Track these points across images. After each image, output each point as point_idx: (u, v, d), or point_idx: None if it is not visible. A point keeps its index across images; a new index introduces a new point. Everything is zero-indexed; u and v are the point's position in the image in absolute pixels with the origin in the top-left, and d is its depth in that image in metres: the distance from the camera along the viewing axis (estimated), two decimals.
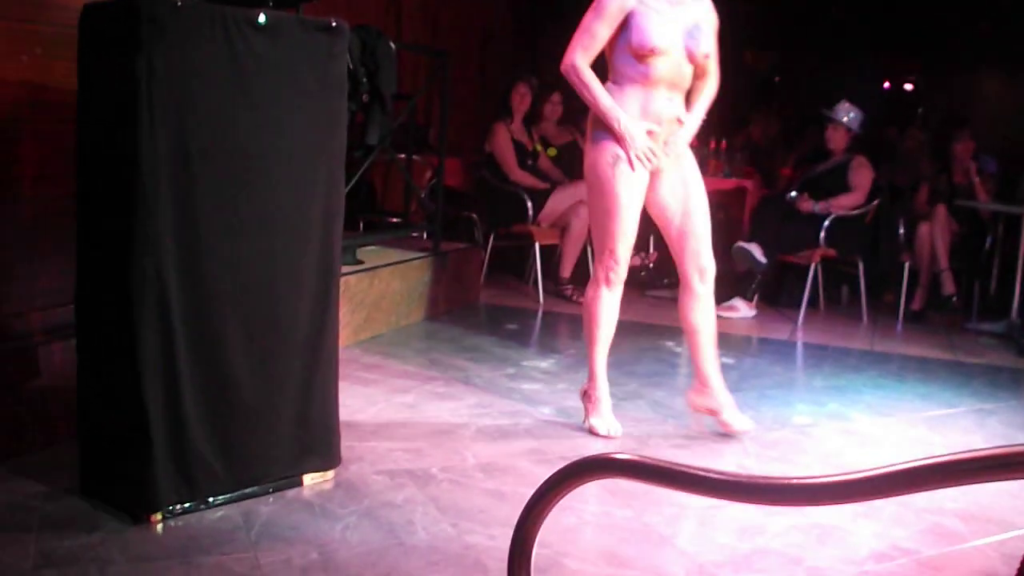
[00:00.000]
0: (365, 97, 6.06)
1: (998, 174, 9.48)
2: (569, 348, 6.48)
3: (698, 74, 4.66)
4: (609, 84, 4.58)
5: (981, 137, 9.89)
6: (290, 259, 3.52)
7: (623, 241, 4.58)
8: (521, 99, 8.36)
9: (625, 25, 4.47)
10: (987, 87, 15.35)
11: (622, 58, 4.53)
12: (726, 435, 4.73)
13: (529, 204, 7.97)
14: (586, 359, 4.81)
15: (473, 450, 4.29)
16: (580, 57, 4.50)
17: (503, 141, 8.24)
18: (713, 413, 4.78)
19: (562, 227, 8.07)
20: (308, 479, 3.73)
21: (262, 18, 3.33)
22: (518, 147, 8.31)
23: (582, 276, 7.01)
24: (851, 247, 8.16)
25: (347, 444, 3.98)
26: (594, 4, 4.50)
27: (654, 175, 4.59)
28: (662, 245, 9.03)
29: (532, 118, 8.59)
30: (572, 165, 8.48)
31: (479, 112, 10.03)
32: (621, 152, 4.50)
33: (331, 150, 3.61)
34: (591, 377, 4.77)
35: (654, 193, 4.63)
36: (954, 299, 8.38)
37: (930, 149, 10.13)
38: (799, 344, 7.33)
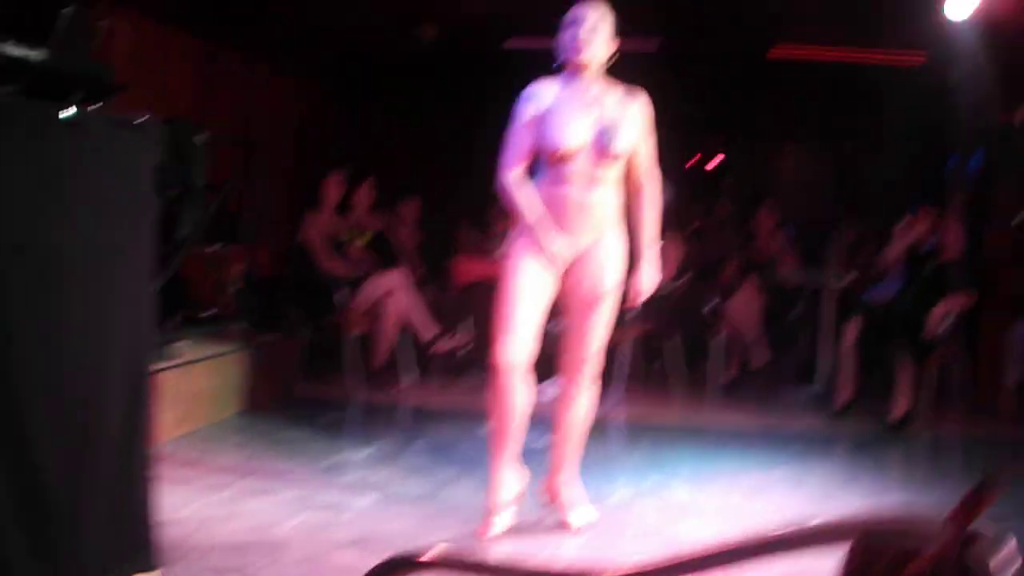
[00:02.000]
0: (175, 191, 5.99)
1: (800, 244, 9.85)
2: (384, 438, 6.46)
3: (630, 178, 4.70)
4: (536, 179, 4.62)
5: (784, 209, 10.26)
6: (100, 359, 3.45)
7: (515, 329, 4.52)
8: (333, 188, 8.37)
9: (538, 127, 4.52)
10: (789, 161, 15.92)
11: (540, 157, 4.59)
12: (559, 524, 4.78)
13: (341, 293, 7.96)
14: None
15: (295, 544, 4.25)
16: (508, 173, 4.55)
17: (314, 231, 8.22)
18: (562, 507, 4.83)
19: (375, 316, 8.06)
20: None
21: (67, 114, 3.29)
22: (330, 237, 8.30)
23: (397, 365, 7.00)
24: (665, 322, 8.32)
25: (168, 542, 3.89)
26: (512, 117, 4.56)
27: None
28: (479, 331, 9.16)
29: (344, 206, 8.59)
30: (384, 253, 8.51)
31: (294, 201, 9.99)
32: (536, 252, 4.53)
33: (139, 249, 3.57)
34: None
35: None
36: (765, 369, 8.63)
37: (736, 224, 10.43)
38: (618, 421, 7.44)
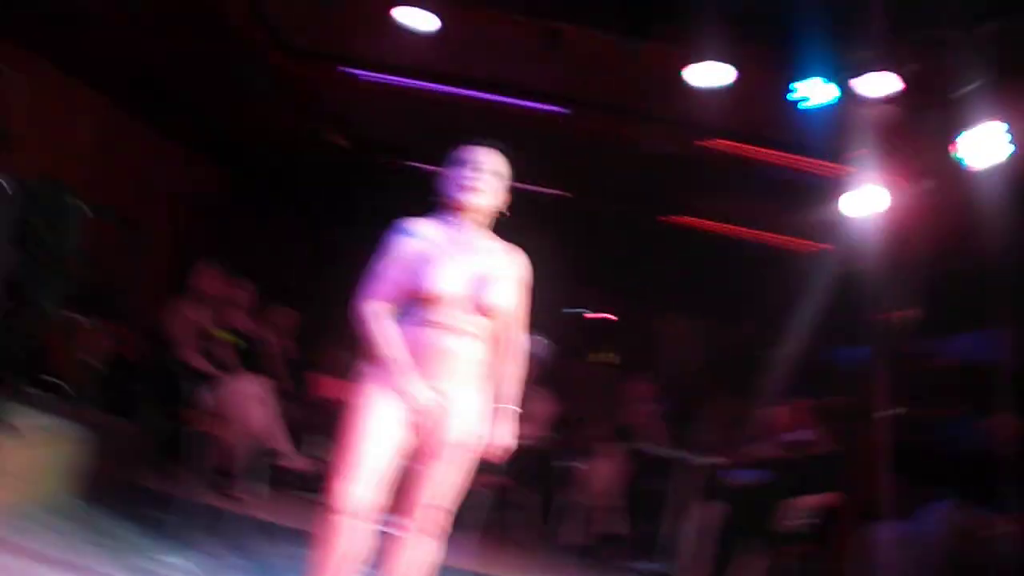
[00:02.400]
0: (43, 255, 5.79)
1: (668, 414, 9.82)
2: (205, 547, 6.14)
3: (498, 331, 4.52)
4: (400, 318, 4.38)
5: (659, 376, 10.26)
6: None
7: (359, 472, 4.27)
8: (209, 282, 8.18)
9: (412, 264, 4.34)
10: (669, 330, 16.02)
11: (408, 298, 4.36)
12: None
13: (198, 388, 7.71)
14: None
15: None
16: (368, 304, 4.33)
17: (182, 319, 8.01)
18: None
19: (227, 417, 7.79)
20: None
21: None
22: (197, 328, 8.08)
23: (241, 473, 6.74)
24: (526, 477, 8.20)
25: None
26: (382, 246, 4.37)
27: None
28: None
29: (220, 302, 8.39)
30: (252, 359, 8.31)
31: (170, 291, 9.76)
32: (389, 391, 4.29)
33: None
34: None
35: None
36: (622, 538, 8.50)
37: (609, 386, 10.39)
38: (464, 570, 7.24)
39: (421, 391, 4.28)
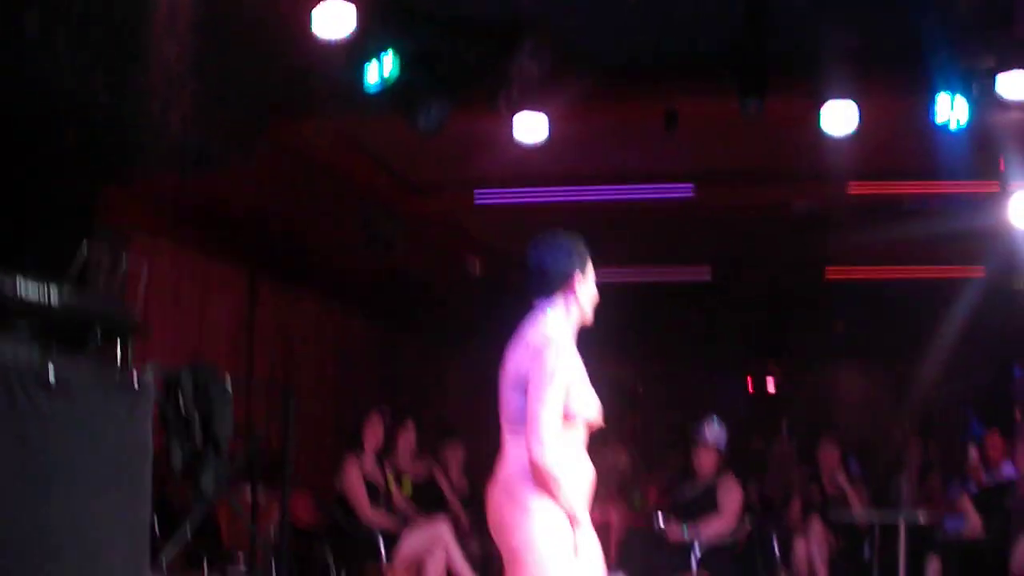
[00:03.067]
0: (198, 441, 5.67)
1: (863, 475, 9.40)
2: None
3: None
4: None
5: (845, 436, 9.86)
6: None
7: None
8: (373, 431, 8.05)
9: (571, 386, 3.90)
10: (846, 384, 15.57)
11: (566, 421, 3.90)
12: None
13: (382, 544, 7.57)
14: None
15: None
16: (551, 447, 3.78)
17: (354, 478, 7.88)
18: None
19: (419, 570, 7.61)
20: None
21: (52, 377, 2.96)
22: (370, 485, 7.95)
23: None
24: (725, 571, 7.86)
25: None
26: (547, 367, 3.84)
27: None
28: None
29: (386, 450, 8.26)
30: (428, 500, 8.12)
31: (334, 444, 9.67)
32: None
33: (133, 521, 3.22)
34: None
35: None
36: None
37: (798, 458, 10.03)
38: None
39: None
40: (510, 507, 3.84)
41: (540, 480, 3.76)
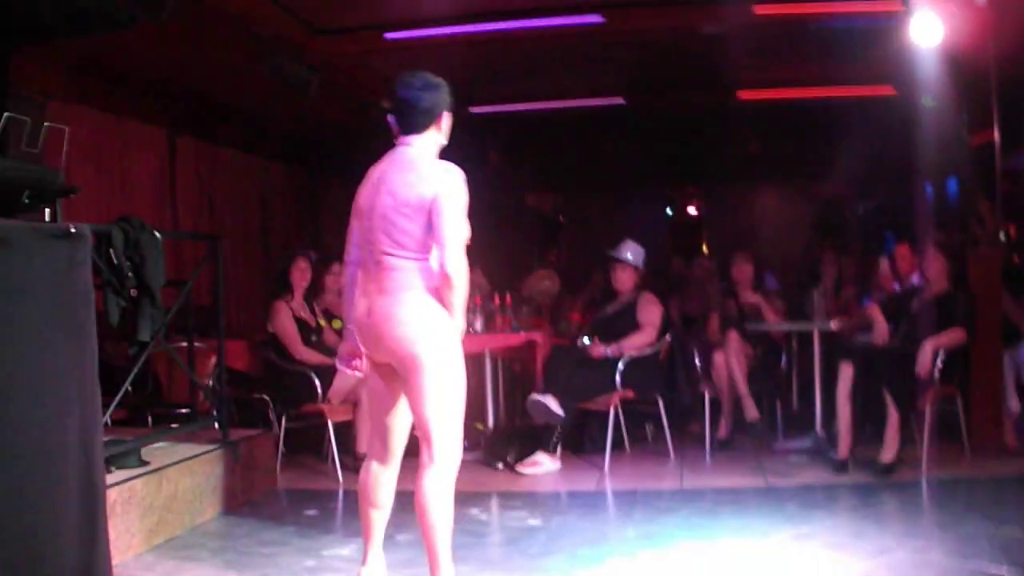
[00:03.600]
0: (133, 291, 5.80)
1: (781, 290, 9.69)
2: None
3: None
4: (425, 264, 4.41)
5: (763, 254, 10.11)
6: (46, 489, 3.24)
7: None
8: (301, 274, 8.18)
9: None
10: (764, 203, 15.87)
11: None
12: None
13: (317, 382, 7.73)
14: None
15: None
16: (463, 259, 4.35)
17: (285, 319, 8.02)
18: None
19: (353, 402, 7.81)
20: None
21: None
22: (301, 324, 8.10)
23: None
24: (648, 385, 8.12)
25: None
26: (455, 198, 4.35)
27: None
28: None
29: (313, 291, 8.41)
30: None
31: (263, 290, 9.81)
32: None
33: (81, 364, 3.38)
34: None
35: None
36: (758, 422, 8.41)
37: (718, 276, 10.28)
38: (608, 492, 7.25)
39: None
40: (415, 320, 4.36)
41: (449, 292, 4.31)
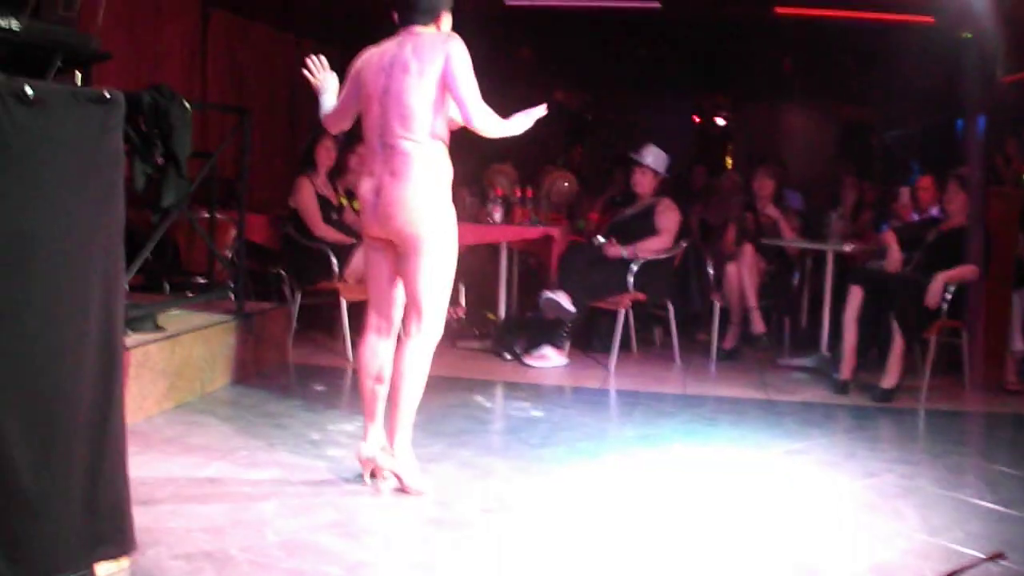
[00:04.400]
0: (159, 159, 5.88)
1: (804, 210, 9.71)
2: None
3: None
4: (432, 150, 4.59)
5: (788, 172, 10.10)
6: (68, 340, 3.34)
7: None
8: (327, 152, 8.21)
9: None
10: (791, 122, 15.78)
11: (445, 117, 4.64)
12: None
13: (334, 260, 7.81)
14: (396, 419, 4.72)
15: (274, 526, 4.15)
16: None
17: (307, 195, 8.06)
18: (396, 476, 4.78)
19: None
20: (101, 569, 3.52)
21: (29, 90, 3.16)
22: (323, 201, 8.14)
23: None
24: (660, 290, 8.20)
25: (143, 526, 3.78)
26: (464, 57, 4.53)
27: None
28: (471, 297, 9.03)
29: (337, 171, 8.46)
30: None
31: (288, 167, 9.86)
32: None
33: (108, 225, 3.46)
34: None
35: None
36: (764, 337, 8.50)
37: (742, 190, 10.30)
38: (611, 391, 7.36)
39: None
40: (423, 205, 4.57)
41: (491, 133, 4.61)
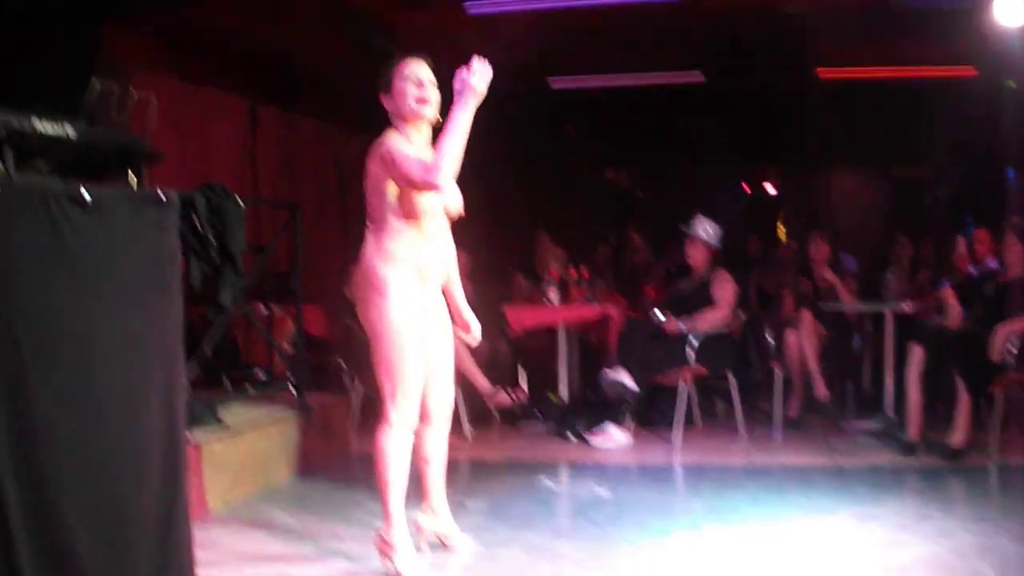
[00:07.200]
0: (215, 257, 5.95)
1: (859, 272, 9.64)
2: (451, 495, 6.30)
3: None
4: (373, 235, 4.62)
5: (842, 235, 10.05)
6: (132, 440, 3.37)
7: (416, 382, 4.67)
8: None
9: None
10: (842, 184, 15.74)
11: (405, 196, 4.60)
12: None
13: None
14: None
15: None
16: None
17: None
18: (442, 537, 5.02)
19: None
20: None
21: (86, 195, 3.22)
22: None
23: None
24: (720, 362, 8.13)
25: None
26: (387, 145, 4.55)
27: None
28: (534, 380, 9.00)
29: None
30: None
31: (340, 258, 9.93)
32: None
33: (167, 323, 3.50)
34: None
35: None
36: (829, 403, 8.41)
37: (797, 255, 10.26)
38: (677, 466, 7.29)
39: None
40: (365, 287, 4.58)
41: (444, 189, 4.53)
